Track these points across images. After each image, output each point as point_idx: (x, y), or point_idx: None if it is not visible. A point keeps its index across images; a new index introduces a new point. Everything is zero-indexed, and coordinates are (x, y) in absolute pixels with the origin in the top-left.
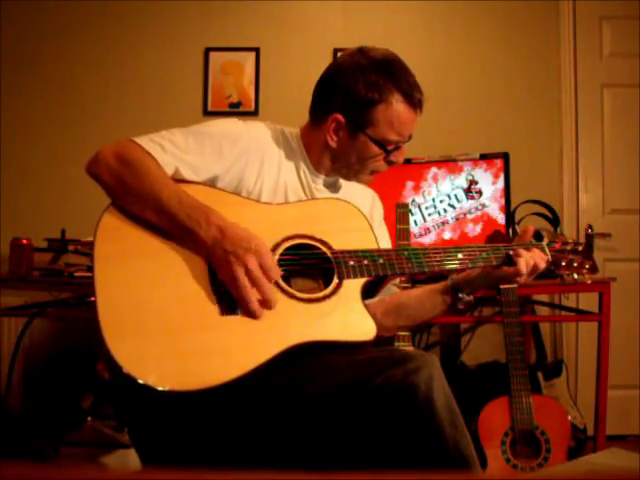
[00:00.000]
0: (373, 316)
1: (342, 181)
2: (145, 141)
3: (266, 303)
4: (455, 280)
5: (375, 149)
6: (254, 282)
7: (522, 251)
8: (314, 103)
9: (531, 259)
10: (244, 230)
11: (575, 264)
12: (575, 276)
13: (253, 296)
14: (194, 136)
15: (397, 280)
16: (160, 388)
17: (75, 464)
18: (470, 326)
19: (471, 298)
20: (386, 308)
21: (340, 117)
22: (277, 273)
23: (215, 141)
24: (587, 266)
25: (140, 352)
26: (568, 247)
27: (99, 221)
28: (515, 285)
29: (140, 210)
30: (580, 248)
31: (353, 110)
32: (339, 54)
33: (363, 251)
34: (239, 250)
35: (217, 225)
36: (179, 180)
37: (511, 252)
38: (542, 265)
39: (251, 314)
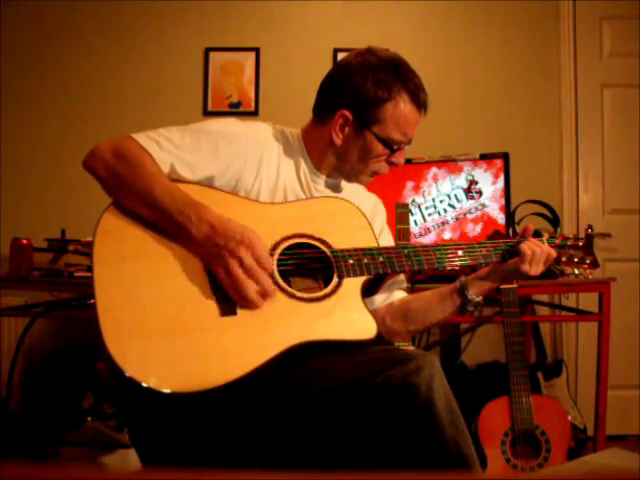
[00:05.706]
0: (382, 321)
1: (344, 184)
2: (142, 137)
3: (264, 293)
4: (463, 282)
5: (380, 148)
6: (249, 274)
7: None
8: (320, 100)
9: (535, 246)
10: (235, 224)
11: (576, 259)
12: (576, 271)
13: (251, 286)
14: (191, 134)
15: (404, 284)
16: (162, 391)
17: (75, 464)
18: (470, 326)
19: (480, 299)
20: (395, 313)
21: (348, 113)
22: (270, 263)
23: (212, 140)
24: (588, 261)
25: (141, 355)
26: (569, 242)
27: (98, 223)
28: (515, 285)
29: (134, 205)
30: (580, 243)
31: (361, 107)
32: (342, 54)
33: (363, 249)
34: (230, 243)
35: (208, 221)
36: (176, 180)
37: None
38: (546, 251)
39: (251, 305)
